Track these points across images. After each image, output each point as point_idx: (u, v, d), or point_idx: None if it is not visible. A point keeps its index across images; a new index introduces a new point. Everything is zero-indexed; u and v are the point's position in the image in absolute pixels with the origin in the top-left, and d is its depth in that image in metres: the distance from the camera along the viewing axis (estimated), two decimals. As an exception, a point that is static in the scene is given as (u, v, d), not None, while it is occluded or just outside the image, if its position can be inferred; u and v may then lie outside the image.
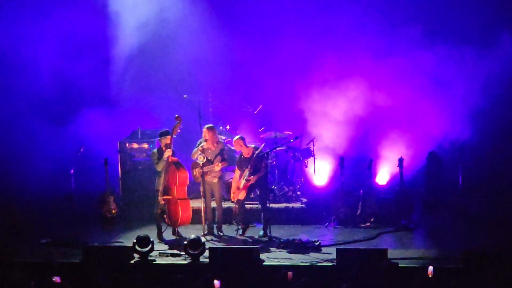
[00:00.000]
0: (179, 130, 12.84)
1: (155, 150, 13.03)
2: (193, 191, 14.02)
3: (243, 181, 12.90)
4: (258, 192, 13.34)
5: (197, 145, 13.16)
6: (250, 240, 12.79)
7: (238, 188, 13.02)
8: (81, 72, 15.62)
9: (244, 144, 13.09)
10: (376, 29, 15.06)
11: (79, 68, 15.63)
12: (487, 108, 14.54)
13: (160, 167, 12.78)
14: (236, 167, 13.29)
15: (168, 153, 12.67)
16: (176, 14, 15.67)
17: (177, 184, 12.70)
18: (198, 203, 13.31)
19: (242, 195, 12.99)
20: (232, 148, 14.50)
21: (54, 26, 15.58)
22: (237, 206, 13.17)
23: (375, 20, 15.06)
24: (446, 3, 14.97)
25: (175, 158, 12.82)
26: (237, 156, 13.51)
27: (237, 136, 13.24)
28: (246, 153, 13.06)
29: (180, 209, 12.65)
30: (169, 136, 12.77)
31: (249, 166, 12.86)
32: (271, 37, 15.91)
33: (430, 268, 9.66)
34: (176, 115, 12.76)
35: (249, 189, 13.04)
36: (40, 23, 15.52)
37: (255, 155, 12.90)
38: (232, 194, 13.18)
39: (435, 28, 14.96)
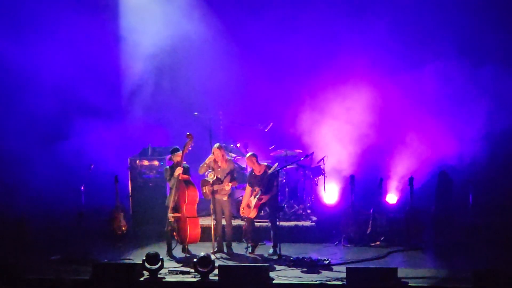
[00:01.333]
0: (190, 148, 12.85)
1: (167, 167, 13.05)
2: (203, 209, 14.04)
3: (254, 200, 12.88)
4: (268, 210, 13.33)
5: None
6: (260, 258, 12.75)
7: (248, 206, 12.99)
8: (93, 91, 15.68)
9: (257, 162, 13.08)
10: (388, 47, 15.08)
11: (91, 86, 15.69)
12: (499, 127, 14.50)
13: (171, 183, 12.81)
14: (247, 184, 13.29)
15: (178, 170, 12.67)
16: (188, 36, 15.77)
17: (186, 202, 12.67)
18: (208, 221, 13.32)
19: (253, 214, 12.96)
20: (242, 166, 14.52)
21: (68, 43, 15.69)
22: (246, 223, 13.16)
23: (387, 38, 15.06)
24: (462, 22, 14.89)
25: (185, 176, 12.81)
26: (247, 173, 13.51)
27: (250, 153, 13.24)
28: (258, 170, 13.05)
29: (188, 227, 12.60)
30: (179, 153, 12.80)
31: (260, 185, 12.85)
32: (282, 55, 15.98)
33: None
34: (188, 133, 12.77)
35: (260, 207, 13.03)
36: (55, 39, 15.62)
37: (267, 174, 12.88)
38: (241, 209, 13.16)
39: (449, 47, 14.92)
